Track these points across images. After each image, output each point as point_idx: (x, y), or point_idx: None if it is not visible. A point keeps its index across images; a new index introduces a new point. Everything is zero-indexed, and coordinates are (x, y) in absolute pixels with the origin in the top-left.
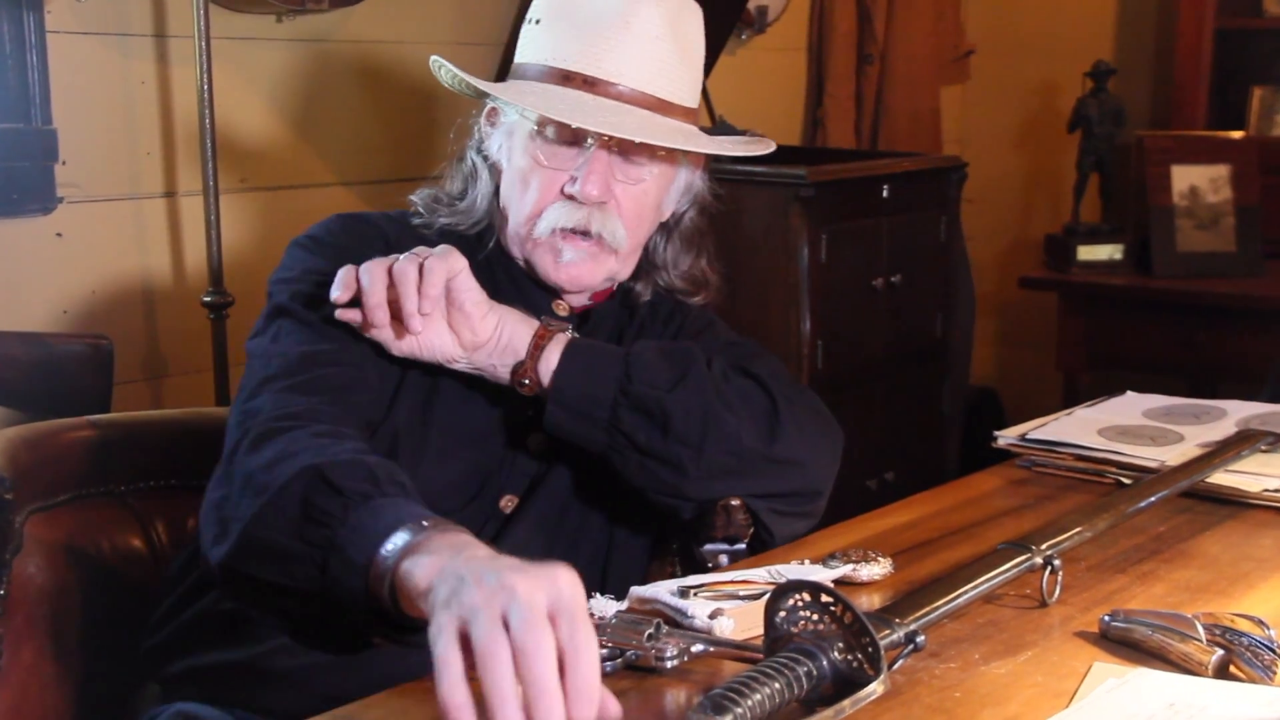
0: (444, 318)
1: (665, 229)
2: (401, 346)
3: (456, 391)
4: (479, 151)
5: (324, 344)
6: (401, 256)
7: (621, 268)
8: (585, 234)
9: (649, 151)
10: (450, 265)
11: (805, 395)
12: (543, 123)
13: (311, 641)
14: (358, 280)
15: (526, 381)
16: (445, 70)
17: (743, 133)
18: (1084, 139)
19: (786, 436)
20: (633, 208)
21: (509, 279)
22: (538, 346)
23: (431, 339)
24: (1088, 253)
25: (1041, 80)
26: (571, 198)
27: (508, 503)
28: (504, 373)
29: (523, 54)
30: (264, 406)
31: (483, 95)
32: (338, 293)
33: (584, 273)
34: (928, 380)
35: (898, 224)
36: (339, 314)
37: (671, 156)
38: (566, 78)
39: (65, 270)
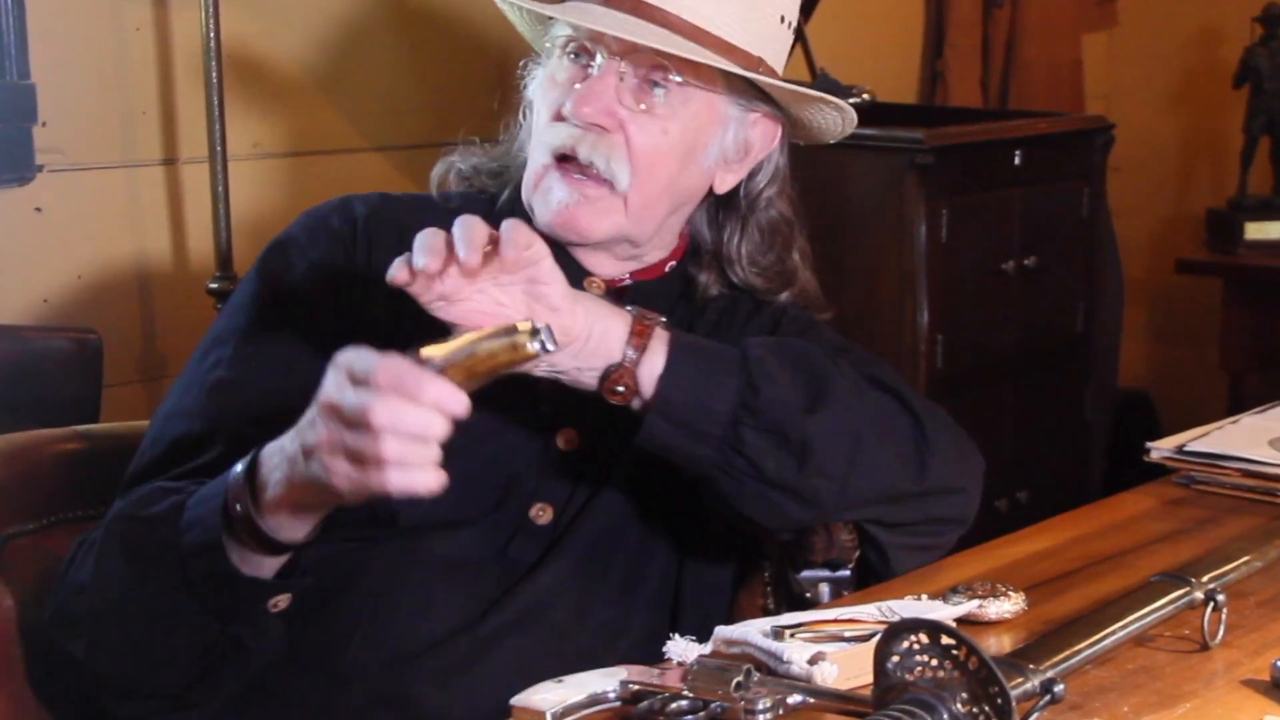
0: (521, 314)
1: (738, 214)
2: None
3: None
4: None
5: (209, 421)
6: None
7: (634, 224)
8: (574, 161)
9: (663, 72)
10: (540, 254)
11: (940, 412)
12: (566, 43)
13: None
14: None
15: (621, 389)
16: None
17: (848, 89)
18: (1252, 96)
19: (936, 464)
20: (645, 145)
21: None
22: (638, 346)
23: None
24: (1257, 230)
25: (1202, 27)
26: (564, 118)
27: (540, 513)
28: (590, 378)
29: None
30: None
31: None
32: (424, 260)
33: (580, 218)
34: (1068, 382)
35: (1032, 197)
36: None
37: (709, 101)
38: None
39: (45, 251)
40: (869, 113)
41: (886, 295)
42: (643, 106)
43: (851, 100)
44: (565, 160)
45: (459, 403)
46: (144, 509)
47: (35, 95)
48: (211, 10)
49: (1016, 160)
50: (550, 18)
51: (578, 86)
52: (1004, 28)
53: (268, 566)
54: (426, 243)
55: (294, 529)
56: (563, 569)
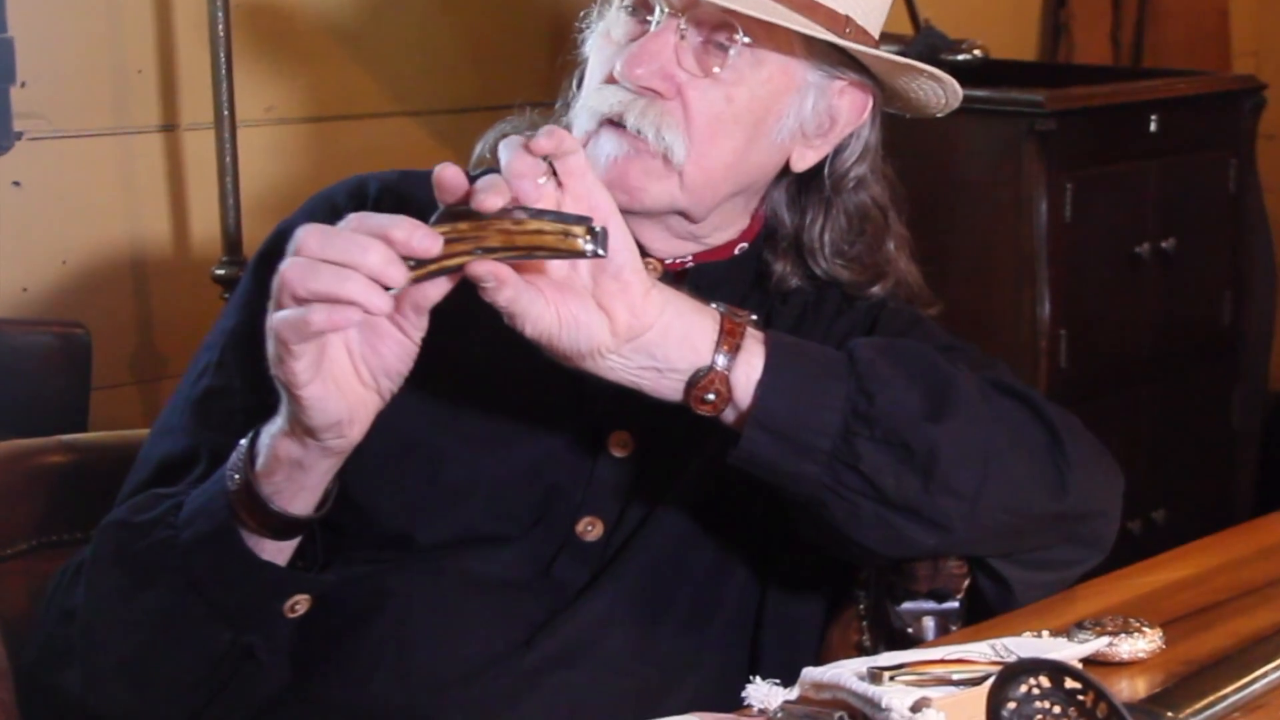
0: (588, 291)
1: (820, 195)
2: (539, 319)
3: (490, 369)
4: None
5: (199, 436)
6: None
7: (691, 200)
8: (623, 127)
9: (729, 32)
10: (600, 196)
11: (1074, 421)
12: None
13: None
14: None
15: (711, 397)
16: None
17: (956, 44)
18: None
19: (1077, 482)
20: (706, 113)
21: None
22: (730, 347)
23: (576, 311)
24: None
25: None
26: (614, 80)
27: (588, 527)
28: (674, 384)
29: None
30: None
31: None
32: (489, 196)
33: (628, 173)
34: (1212, 384)
35: (1170, 169)
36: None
37: (784, 65)
38: None
39: (25, 233)
40: (981, 71)
41: (1000, 285)
42: (705, 70)
43: (961, 57)
44: (612, 125)
45: (424, 237)
46: (136, 514)
47: (13, 51)
48: None
49: (1152, 126)
50: None
51: (632, 45)
52: None
53: (281, 555)
54: (489, 182)
55: (294, 494)
56: (618, 594)
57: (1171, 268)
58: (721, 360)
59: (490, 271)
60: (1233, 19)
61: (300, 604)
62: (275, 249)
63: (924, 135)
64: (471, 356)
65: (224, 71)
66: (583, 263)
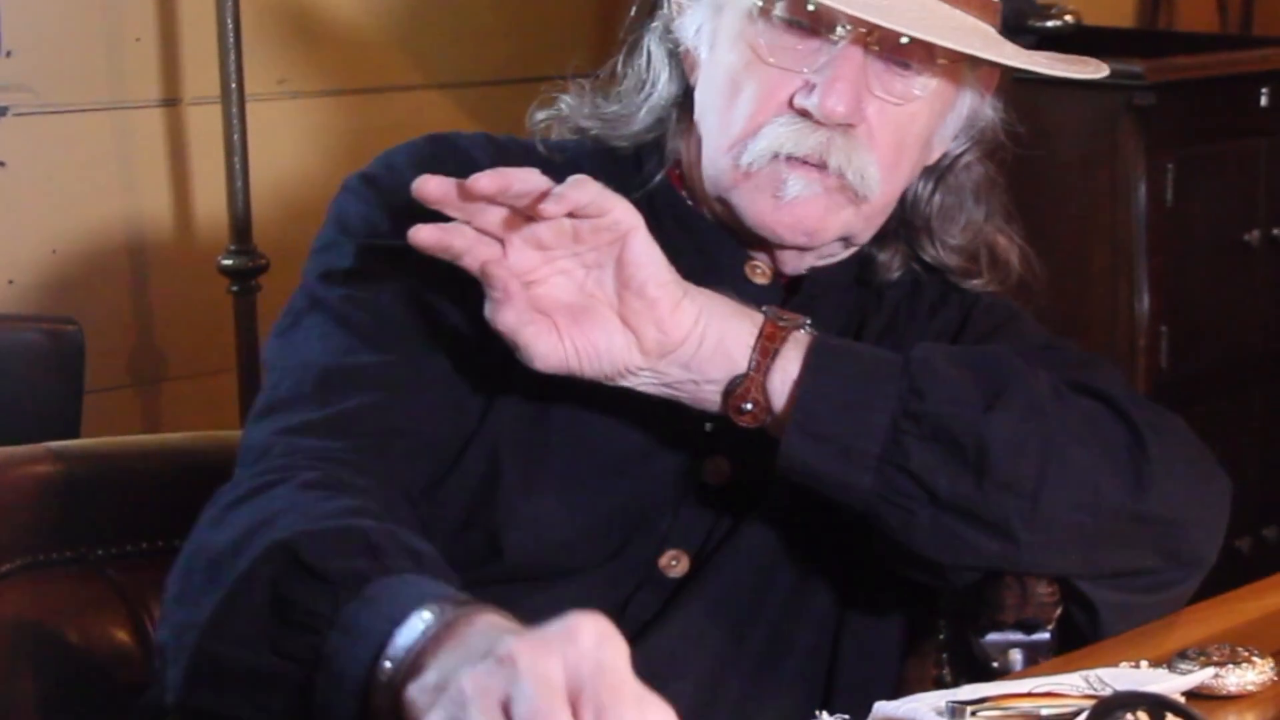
0: (613, 308)
1: (931, 173)
2: (549, 355)
3: (587, 395)
4: (665, 38)
5: (362, 352)
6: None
7: (864, 225)
8: (821, 167)
9: (926, 56)
10: (609, 204)
11: (1172, 422)
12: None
13: None
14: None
15: (749, 406)
16: None
17: (1046, 8)
18: None
19: (1159, 484)
20: (892, 138)
21: (680, 226)
22: (766, 352)
23: (596, 340)
24: None
25: None
26: (806, 113)
27: (673, 562)
28: (711, 393)
29: None
30: (261, 445)
31: None
32: (430, 183)
33: (812, 214)
34: None
35: None
36: (416, 234)
37: (955, 70)
38: None
39: (12, 218)
40: (1073, 39)
41: (1095, 275)
42: (895, 95)
43: (1050, 24)
44: (799, 163)
45: None
46: (315, 554)
47: None
48: None
49: (1263, 101)
50: None
51: (809, 64)
52: None
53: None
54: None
55: None
56: (688, 629)
57: None
58: (758, 366)
59: (502, 280)
60: None
61: None
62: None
63: (1009, 111)
64: (566, 386)
65: (232, 40)
66: (607, 281)
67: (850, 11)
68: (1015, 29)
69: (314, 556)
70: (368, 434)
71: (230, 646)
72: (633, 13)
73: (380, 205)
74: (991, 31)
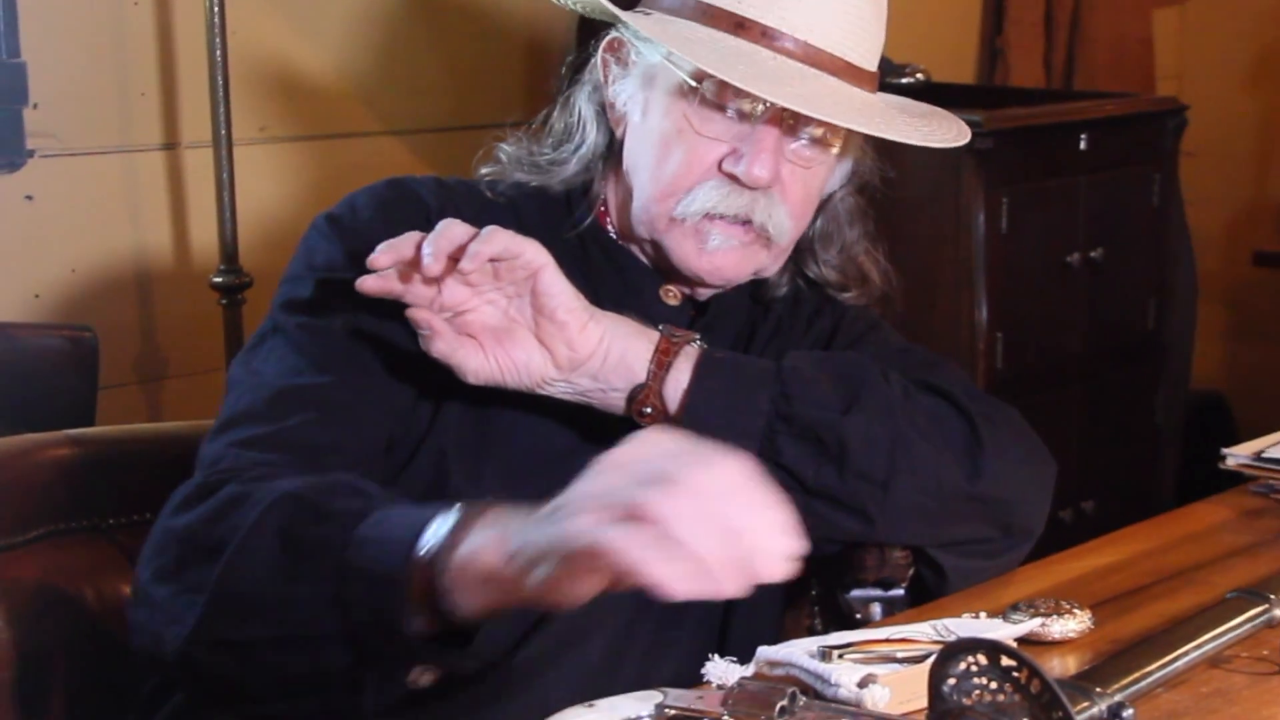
0: (531, 329)
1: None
2: (478, 371)
3: (521, 404)
4: (592, 97)
5: (314, 375)
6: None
7: (773, 262)
8: (745, 223)
9: (831, 129)
10: (519, 248)
11: (1006, 414)
12: (701, 77)
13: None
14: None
15: (649, 410)
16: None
17: (901, 67)
18: None
19: (992, 468)
20: (800, 194)
21: (606, 258)
22: (661, 364)
23: (517, 357)
24: None
25: None
26: (733, 178)
27: None
28: (617, 399)
29: None
30: (214, 455)
31: (634, 34)
32: (382, 258)
33: (731, 263)
34: (1137, 384)
35: (1098, 184)
36: (362, 284)
37: (851, 136)
38: (740, 26)
39: (37, 243)
40: (923, 93)
41: (942, 291)
42: (803, 158)
43: (905, 80)
44: (721, 218)
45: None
46: (318, 495)
47: (26, 74)
48: None
49: (1082, 145)
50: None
51: (734, 135)
52: (1069, 2)
53: (417, 623)
54: (393, 245)
55: (473, 603)
56: (600, 598)
57: (1100, 276)
58: (654, 376)
59: (425, 320)
60: (1156, 45)
61: (425, 677)
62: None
63: (881, 157)
64: (503, 397)
65: (221, 94)
66: (525, 308)
67: (781, 102)
68: (879, 86)
69: (316, 498)
70: (303, 448)
71: (247, 584)
72: (564, 71)
73: (341, 243)
74: (880, 104)
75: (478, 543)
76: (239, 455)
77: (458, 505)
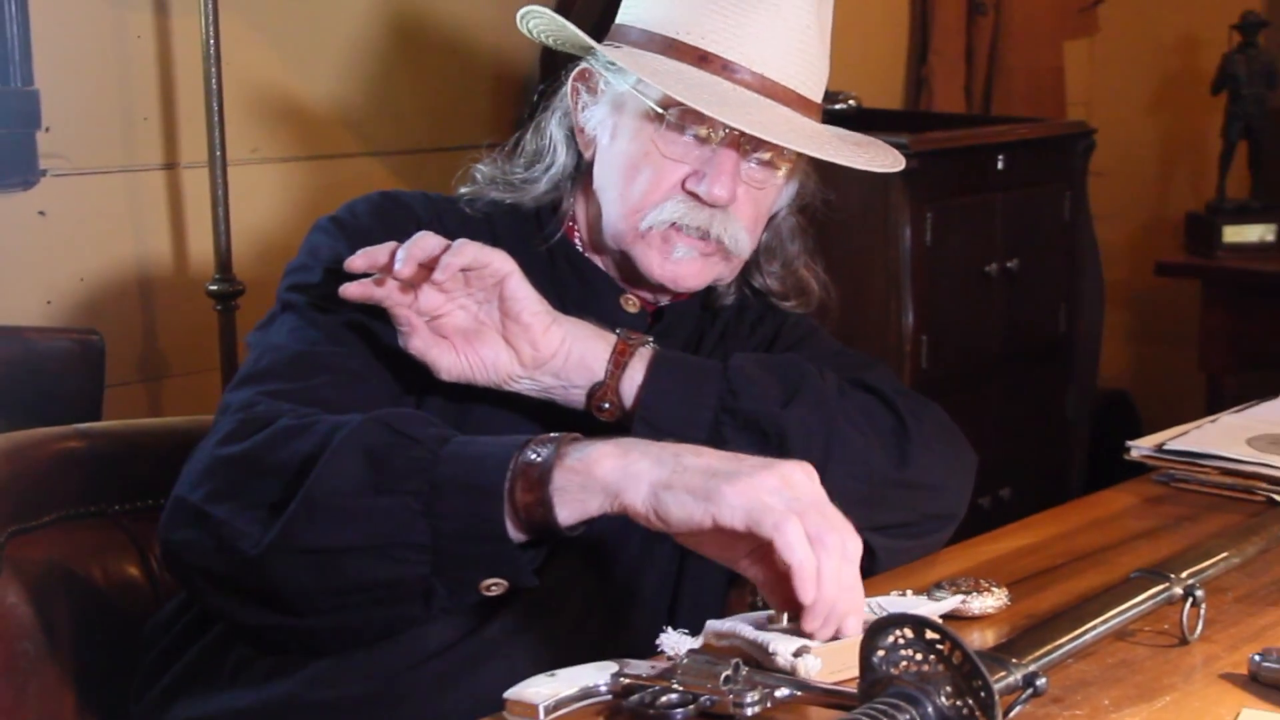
0: (499, 331)
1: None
2: (451, 368)
3: (493, 400)
4: (562, 121)
5: (328, 345)
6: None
7: (730, 273)
8: (704, 237)
9: (780, 153)
10: (487, 258)
11: (931, 409)
12: (667, 104)
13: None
14: (392, 257)
15: (607, 405)
16: (542, 20)
17: (836, 95)
18: (1230, 102)
19: (918, 457)
20: (752, 212)
21: (573, 270)
22: (618, 364)
23: (485, 355)
24: (1235, 234)
25: (1181, 34)
26: (696, 196)
27: None
28: (577, 395)
29: (641, 15)
30: (246, 400)
31: (604, 64)
32: (358, 260)
33: (692, 272)
34: (1049, 382)
35: (1014, 201)
36: (345, 289)
37: (799, 160)
38: (703, 59)
39: (49, 254)
40: (856, 119)
41: (873, 297)
42: (757, 180)
43: (838, 106)
44: (683, 230)
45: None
46: (403, 424)
47: (39, 101)
48: (211, 18)
49: (1000, 165)
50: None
51: (695, 158)
52: (987, 35)
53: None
54: (368, 251)
55: (573, 509)
56: (566, 573)
57: (1015, 284)
58: (611, 375)
59: (405, 317)
60: (1067, 74)
61: (496, 587)
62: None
63: (821, 181)
64: (478, 390)
65: (217, 118)
66: (494, 311)
67: (744, 128)
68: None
69: (400, 425)
70: (330, 406)
71: (335, 497)
72: (535, 98)
73: (344, 240)
74: (826, 132)
75: (593, 452)
76: (272, 403)
77: (549, 434)
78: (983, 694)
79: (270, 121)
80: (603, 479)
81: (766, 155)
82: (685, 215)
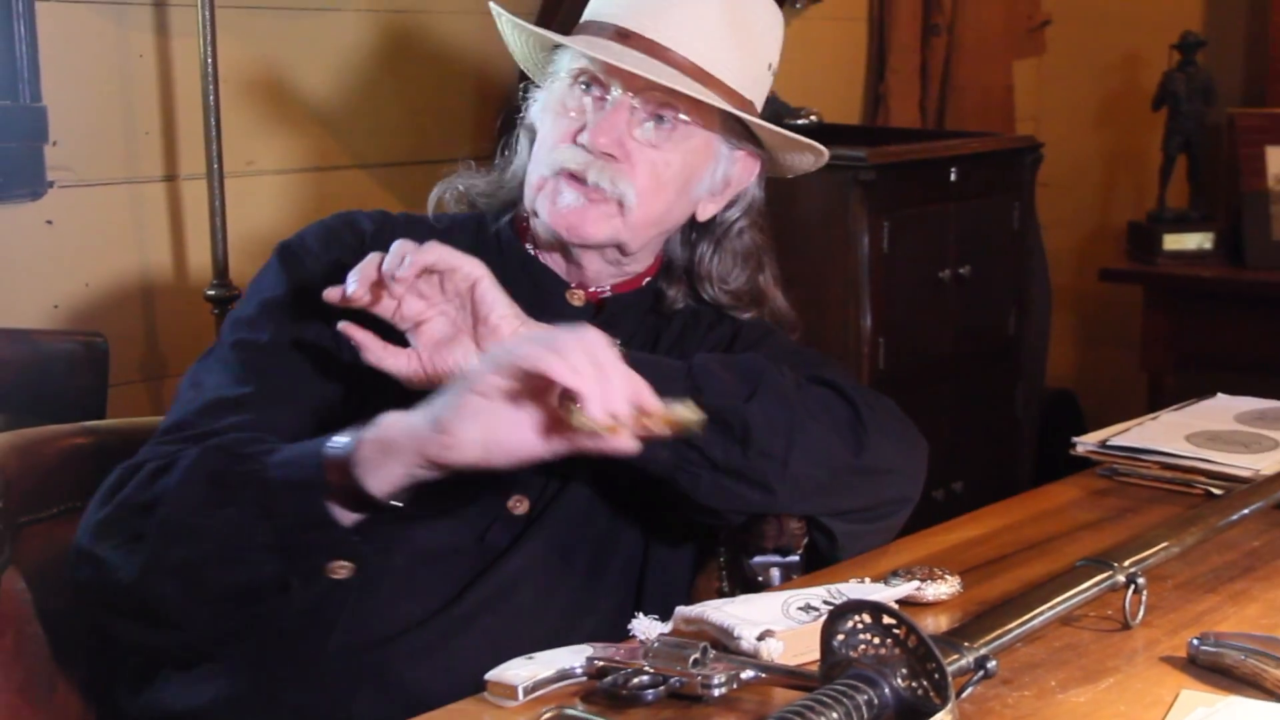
0: (469, 334)
1: (712, 237)
2: (410, 379)
3: None
4: (525, 125)
5: (240, 386)
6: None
7: (631, 235)
8: (583, 182)
9: (672, 110)
10: (456, 262)
11: (884, 402)
12: (578, 74)
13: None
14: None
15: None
16: (504, 20)
17: (797, 110)
18: (1170, 118)
19: (874, 445)
20: (648, 172)
21: (520, 267)
22: None
23: (458, 359)
24: (1174, 242)
25: (1124, 53)
26: (583, 146)
27: (517, 504)
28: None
29: (589, 12)
30: (143, 456)
31: (541, 44)
32: (354, 288)
33: (583, 220)
34: (999, 382)
35: (966, 210)
36: (329, 295)
37: (707, 139)
38: (625, 36)
39: (56, 261)
40: (816, 133)
41: (832, 302)
42: (650, 139)
43: (800, 121)
44: (572, 178)
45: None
46: (239, 446)
47: (46, 117)
48: (209, 39)
49: (952, 177)
50: (556, 45)
51: (590, 115)
52: (941, 54)
53: (345, 520)
54: (361, 270)
55: (380, 477)
56: (532, 554)
57: (967, 289)
58: None
59: (355, 336)
60: (1017, 91)
61: (342, 569)
62: (289, 257)
63: (773, 185)
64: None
65: (214, 133)
66: (467, 316)
67: (602, 57)
68: (775, 125)
69: (235, 447)
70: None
71: (186, 517)
72: (518, 118)
73: (284, 271)
74: (730, 105)
75: (381, 423)
76: (156, 449)
77: (346, 434)
78: (936, 675)
79: (265, 136)
80: (393, 439)
81: (662, 116)
82: (568, 160)
